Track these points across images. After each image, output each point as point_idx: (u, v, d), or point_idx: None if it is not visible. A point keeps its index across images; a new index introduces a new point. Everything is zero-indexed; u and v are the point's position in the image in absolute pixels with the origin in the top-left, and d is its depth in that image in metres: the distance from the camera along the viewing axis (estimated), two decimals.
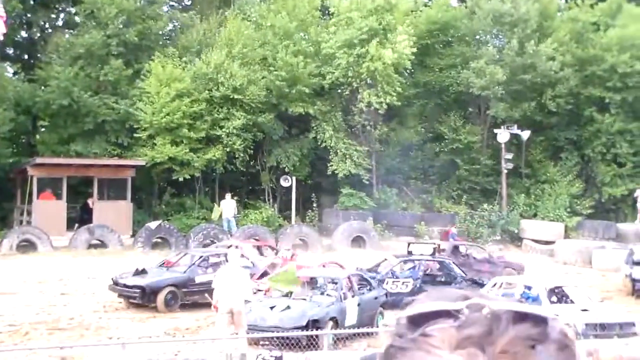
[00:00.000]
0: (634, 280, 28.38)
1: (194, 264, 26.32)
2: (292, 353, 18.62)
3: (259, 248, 34.31)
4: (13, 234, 37.66)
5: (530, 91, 46.87)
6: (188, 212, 43.88)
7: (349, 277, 23.96)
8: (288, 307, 21.84)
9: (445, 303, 0.92)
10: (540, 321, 0.90)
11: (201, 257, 27.07)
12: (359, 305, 22.67)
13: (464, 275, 27.46)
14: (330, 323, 21.23)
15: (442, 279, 27.68)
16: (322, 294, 23.36)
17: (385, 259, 30.68)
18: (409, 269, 27.95)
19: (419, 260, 28.88)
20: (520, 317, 0.89)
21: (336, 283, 23.36)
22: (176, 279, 25.32)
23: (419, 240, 36.74)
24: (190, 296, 25.17)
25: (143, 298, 24.34)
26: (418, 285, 25.77)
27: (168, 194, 45.82)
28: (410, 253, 30.02)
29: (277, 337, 20.56)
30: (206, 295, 22.94)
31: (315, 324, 20.78)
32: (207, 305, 22.20)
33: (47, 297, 25.68)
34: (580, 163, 48.39)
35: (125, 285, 24.83)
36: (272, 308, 22.02)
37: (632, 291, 28.44)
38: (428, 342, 0.90)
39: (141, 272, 25.75)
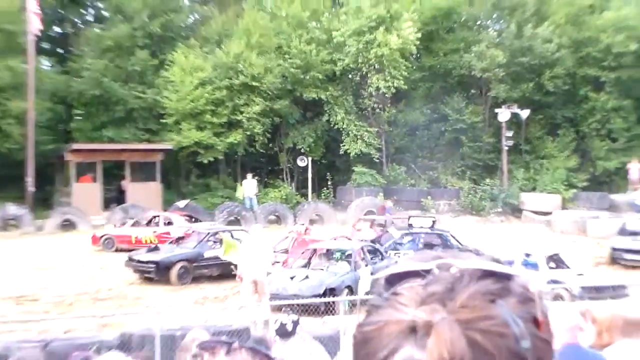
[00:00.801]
0: (613, 249, 29.33)
1: (202, 240, 27.29)
2: (312, 318, 18.86)
3: (190, 218, 36.35)
4: (56, 214, 39.19)
5: (529, 72, 47.91)
6: (213, 192, 45.64)
7: (362, 249, 24.99)
8: (307, 277, 23.11)
9: (416, 263, 1.02)
10: (503, 278, 0.98)
11: (209, 233, 28.07)
12: (372, 273, 22.54)
13: (461, 245, 28.03)
14: (346, 290, 22.36)
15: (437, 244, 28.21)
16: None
17: (387, 231, 31.45)
18: (409, 241, 28.57)
19: (418, 232, 29.61)
20: (484, 275, 0.97)
21: (350, 254, 24.44)
22: (187, 255, 26.30)
23: (422, 214, 37.13)
24: (199, 270, 26.24)
25: (157, 272, 25.39)
26: None
27: (194, 175, 48.00)
28: (410, 226, 30.61)
29: (298, 305, 20.53)
30: (232, 267, 23.76)
31: (332, 292, 21.95)
32: (232, 276, 23.44)
33: (87, 270, 27.02)
34: (576, 139, 49.51)
35: (139, 261, 26.06)
36: (292, 278, 23.25)
37: (610, 260, 29.38)
38: (397, 299, 0.98)
39: (154, 249, 27.24)
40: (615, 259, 28.87)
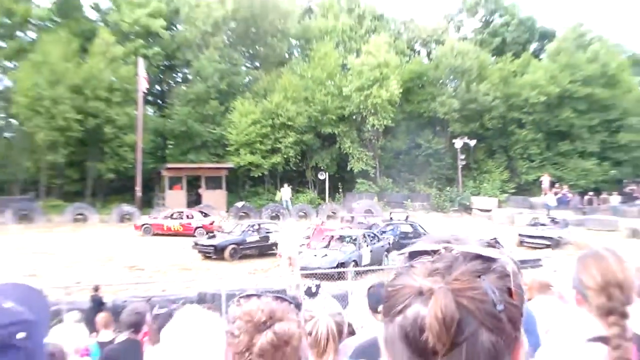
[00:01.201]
0: (519, 235, 30.04)
1: (245, 230, 28.13)
2: (328, 283, 19.45)
3: (204, 214, 37.12)
4: (155, 212, 39.71)
5: (475, 115, 50.08)
6: (260, 196, 47.34)
7: (364, 235, 25.90)
8: (325, 255, 24.16)
9: (429, 244, 1.08)
10: (488, 260, 1.02)
11: (250, 225, 28.97)
12: (371, 251, 24.78)
13: (425, 232, 27.98)
14: (352, 263, 23.25)
15: (412, 236, 27.51)
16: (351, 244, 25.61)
17: (374, 223, 32.00)
18: (391, 229, 29.04)
19: (396, 223, 30.53)
20: (475, 257, 1.03)
21: (355, 238, 25.54)
22: (235, 240, 27.03)
23: (397, 210, 38.33)
24: (244, 251, 26.97)
25: (215, 253, 26.07)
26: (397, 240, 27.30)
27: (247, 185, 49.42)
28: (391, 219, 31.90)
29: (319, 274, 21.32)
30: (274, 248, 25.66)
31: (342, 265, 22.97)
32: (273, 254, 25.45)
33: (177, 249, 28.14)
34: (507, 160, 52.00)
35: (202, 245, 26.83)
36: (315, 256, 24.36)
37: (518, 243, 29.73)
38: (412, 270, 1.04)
39: (212, 237, 27.80)
40: (521, 242, 29.32)
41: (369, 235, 26.41)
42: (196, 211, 37.74)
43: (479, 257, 1.02)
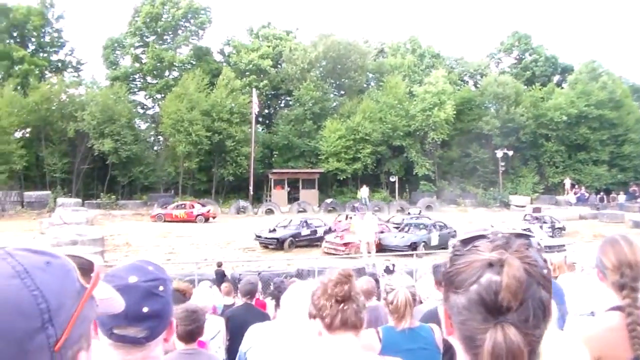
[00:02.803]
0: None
1: (299, 225, 28.58)
2: (404, 259, 21.52)
3: (203, 205, 39.60)
4: (263, 206, 44.79)
5: (512, 131, 53.47)
6: (344, 194, 51.26)
7: (434, 224, 27.91)
8: (402, 237, 26.05)
9: (479, 231, 1.19)
10: (527, 237, 1.16)
11: (302, 220, 29.25)
12: (439, 235, 26.44)
13: (434, 223, 28.77)
14: (422, 244, 25.33)
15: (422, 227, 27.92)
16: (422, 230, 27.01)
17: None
18: (412, 223, 29.07)
19: (414, 215, 31.83)
20: (518, 235, 1.16)
21: (427, 225, 27.67)
22: (292, 233, 27.31)
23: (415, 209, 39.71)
24: (299, 242, 27.15)
25: (276, 245, 26.20)
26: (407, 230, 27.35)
27: (335, 185, 52.83)
28: (409, 213, 33.52)
29: (397, 250, 24.60)
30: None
31: (414, 244, 25.06)
32: (318, 245, 26.48)
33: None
34: (537, 166, 55.57)
35: (265, 238, 26.77)
36: (395, 237, 26.29)
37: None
38: (477, 249, 1.14)
39: (273, 230, 27.45)
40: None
41: (438, 223, 28.40)
42: (196, 202, 40.61)
43: (520, 235, 1.18)
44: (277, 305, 6.50)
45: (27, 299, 0.82)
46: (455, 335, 1.20)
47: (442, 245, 25.08)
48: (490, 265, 1.12)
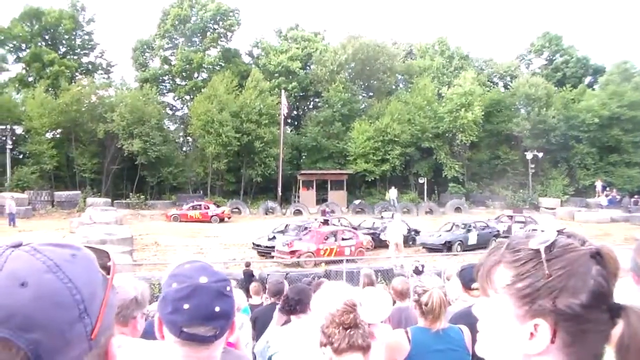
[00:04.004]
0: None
1: (297, 229, 27.57)
2: (438, 256, 22.83)
3: (217, 205, 40.06)
4: (291, 207, 44.97)
5: (542, 133, 52.88)
6: (373, 196, 51.08)
7: (474, 223, 28.44)
8: (439, 235, 26.94)
9: (550, 234, 1.19)
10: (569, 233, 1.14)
11: (301, 224, 28.56)
12: (478, 235, 26.78)
13: (474, 222, 29.41)
14: (458, 242, 26.07)
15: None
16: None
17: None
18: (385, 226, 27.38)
19: (387, 219, 29.96)
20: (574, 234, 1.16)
21: (465, 225, 27.96)
22: (293, 240, 24.76)
23: (388, 213, 37.17)
24: None
25: (271, 254, 24.33)
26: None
27: (363, 187, 52.68)
28: (382, 217, 32.34)
29: (432, 248, 25.72)
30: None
31: (448, 242, 25.93)
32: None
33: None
34: (567, 168, 54.98)
35: (265, 247, 25.45)
36: (431, 235, 27.30)
37: None
38: (572, 247, 1.15)
39: (272, 238, 26.04)
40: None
41: (479, 223, 29.02)
42: (211, 203, 40.96)
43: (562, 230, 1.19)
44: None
45: (62, 292, 0.85)
46: (559, 346, 1.14)
47: (482, 245, 25.03)
48: (592, 257, 1.13)
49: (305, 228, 27.20)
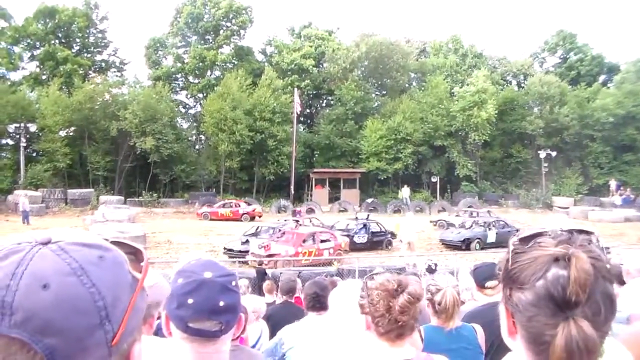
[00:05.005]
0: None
1: (270, 232, 26.44)
2: (451, 254, 22.95)
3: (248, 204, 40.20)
4: (304, 205, 44.04)
5: (556, 132, 53.26)
6: (385, 194, 51.00)
7: (494, 221, 28.93)
8: (459, 233, 27.63)
9: (538, 230, 1.19)
10: (588, 233, 1.17)
11: (274, 226, 27.40)
12: (496, 233, 27.17)
13: (494, 220, 30.15)
14: (476, 240, 26.58)
15: (382, 234, 27.97)
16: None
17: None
18: (361, 228, 27.74)
19: (362, 220, 29.12)
20: (579, 232, 1.17)
21: (478, 222, 28.62)
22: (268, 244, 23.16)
23: (363, 214, 35.36)
24: None
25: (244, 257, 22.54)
26: (370, 238, 27.14)
27: (376, 185, 52.54)
28: (356, 218, 30.54)
29: (451, 245, 26.40)
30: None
31: (467, 240, 26.51)
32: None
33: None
34: (581, 167, 54.70)
35: (238, 251, 23.74)
36: (451, 232, 28.06)
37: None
38: (540, 245, 1.15)
39: (245, 242, 24.75)
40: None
41: (498, 221, 29.45)
42: (242, 202, 41.15)
43: (581, 232, 1.19)
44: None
45: (84, 297, 0.84)
46: (519, 335, 1.20)
47: (501, 243, 24.57)
48: (556, 259, 1.13)
49: (279, 230, 25.86)
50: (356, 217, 31.03)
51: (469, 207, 44.47)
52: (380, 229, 28.26)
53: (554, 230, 1.19)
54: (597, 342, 1.08)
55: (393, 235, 27.96)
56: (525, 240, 1.20)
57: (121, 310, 0.88)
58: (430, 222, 35.55)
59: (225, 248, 24.97)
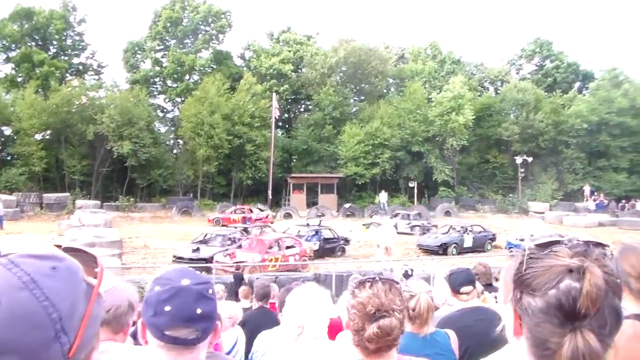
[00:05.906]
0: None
1: (222, 239, 25.41)
2: (428, 259, 22.60)
3: (261, 210, 40.26)
4: (281, 210, 44.48)
5: (532, 137, 53.50)
6: (363, 199, 50.94)
7: (471, 226, 29.03)
8: (436, 237, 27.50)
9: (555, 237, 1.20)
10: (602, 246, 1.19)
11: (221, 235, 25.91)
12: (473, 238, 27.33)
13: (470, 225, 29.96)
14: (454, 245, 26.58)
15: (334, 240, 27.02)
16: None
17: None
18: (314, 234, 26.61)
19: (314, 226, 27.77)
20: (596, 244, 1.17)
21: (461, 228, 28.55)
22: (221, 251, 22.98)
23: (314, 220, 33.37)
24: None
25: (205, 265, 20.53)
26: (321, 244, 25.98)
27: (354, 190, 52.46)
28: (308, 224, 29.16)
29: (428, 249, 26.07)
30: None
31: (444, 244, 26.45)
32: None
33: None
34: (556, 173, 55.00)
35: (189, 259, 22.22)
36: (428, 237, 27.92)
37: None
38: (555, 254, 1.16)
39: (196, 250, 23.43)
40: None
41: (474, 226, 29.46)
42: (254, 207, 41.30)
43: (598, 244, 1.20)
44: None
45: (37, 311, 0.81)
46: (523, 336, 1.22)
47: (477, 248, 26.40)
48: (571, 271, 1.15)
49: (229, 238, 25.09)
50: (307, 224, 29.74)
51: (446, 212, 45.35)
52: (333, 235, 27.36)
53: (571, 240, 1.20)
54: (602, 354, 1.10)
55: (347, 241, 27.63)
56: (541, 246, 1.22)
57: (78, 319, 0.85)
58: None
59: (174, 256, 23.44)
